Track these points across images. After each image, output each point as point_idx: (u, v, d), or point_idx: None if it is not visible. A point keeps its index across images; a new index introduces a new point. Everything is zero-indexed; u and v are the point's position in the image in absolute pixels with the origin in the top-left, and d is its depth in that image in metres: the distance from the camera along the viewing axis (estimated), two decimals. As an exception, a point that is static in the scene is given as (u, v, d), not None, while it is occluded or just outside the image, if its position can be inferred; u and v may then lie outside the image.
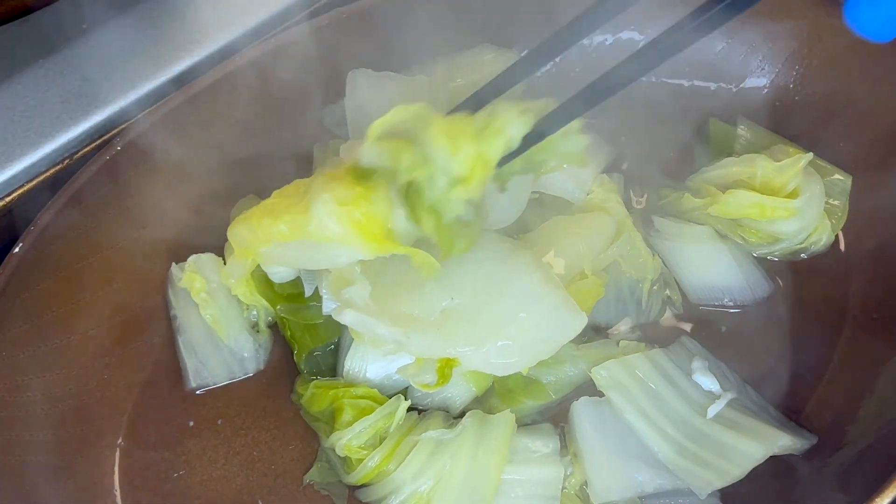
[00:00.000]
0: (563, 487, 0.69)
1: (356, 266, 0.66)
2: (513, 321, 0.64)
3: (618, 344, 0.75)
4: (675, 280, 0.80)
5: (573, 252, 0.73)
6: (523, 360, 0.66)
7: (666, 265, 0.80)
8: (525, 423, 0.73)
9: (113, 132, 0.83)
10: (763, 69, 0.85)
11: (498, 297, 0.65)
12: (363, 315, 0.63)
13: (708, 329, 0.78)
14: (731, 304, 0.78)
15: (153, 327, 0.80)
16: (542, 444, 0.70)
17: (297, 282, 0.77)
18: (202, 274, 0.78)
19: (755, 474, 0.66)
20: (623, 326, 0.78)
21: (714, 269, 0.78)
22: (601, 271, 0.75)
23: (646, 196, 0.85)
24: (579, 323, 0.66)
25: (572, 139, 0.60)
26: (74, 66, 0.86)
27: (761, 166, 0.75)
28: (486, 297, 0.65)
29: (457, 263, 0.66)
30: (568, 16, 0.56)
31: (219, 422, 0.77)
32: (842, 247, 0.79)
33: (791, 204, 0.74)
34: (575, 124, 0.59)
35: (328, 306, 0.73)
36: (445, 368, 0.66)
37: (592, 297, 0.72)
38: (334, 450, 0.71)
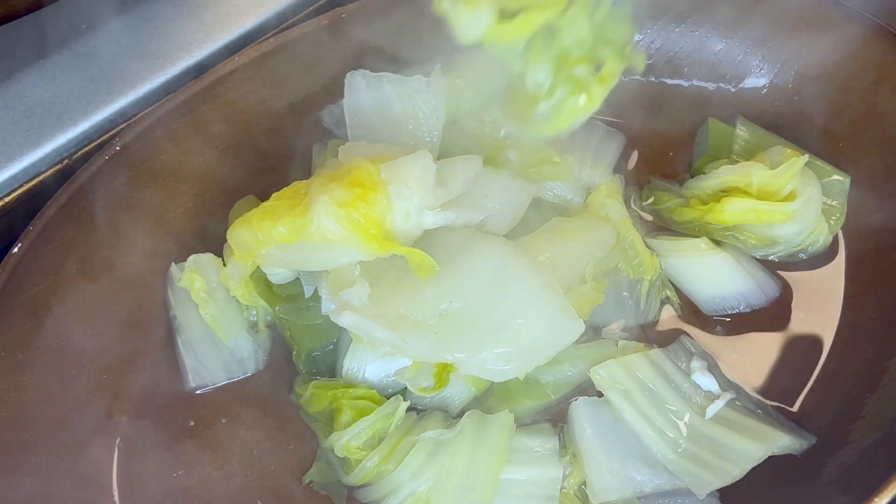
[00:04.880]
0: (562, 487, 0.69)
1: (356, 267, 0.66)
2: (510, 327, 0.64)
3: (617, 344, 0.75)
4: (687, 296, 0.79)
5: (573, 257, 0.73)
6: (520, 366, 0.65)
7: (673, 283, 0.79)
8: (524, 423, 0.73)
9: (113, 132, 0.83)
10: (762, 69, 0.85)
11: (496, 302, 0.65)
12: (361, 318, 0.63)
13: (707, 329, 0.78)
14: (747, 309, 0.78)
15: (153, 327, 0.80)
16: (541, 444, 0.70)
17: (296, 283, 0.77)
18: (202, 274, 0.78)
19: (754, 474, 0.66)
20: (621, 326, 0.78)
21: (722, 279, 0.78)
22: (601, 276, 0.75)
23: (652, 199, 0.85)
24: (577, 330, 0.66)
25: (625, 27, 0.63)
26: (74, 65, 0.87)
27: (756, 174, 0.75)
28: (485, 301, 0.65)
29: (456, 266, 0.66)
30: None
31: (219, 421, 0.77)
32: (841, 247, 0.79)
33: (788, 207, 0.74)
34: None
35: (327, 307, 0.73)
36: (443, 373, 0.66)
37: (591, 303, 0.72)
38: (333, 450, 0.71)
